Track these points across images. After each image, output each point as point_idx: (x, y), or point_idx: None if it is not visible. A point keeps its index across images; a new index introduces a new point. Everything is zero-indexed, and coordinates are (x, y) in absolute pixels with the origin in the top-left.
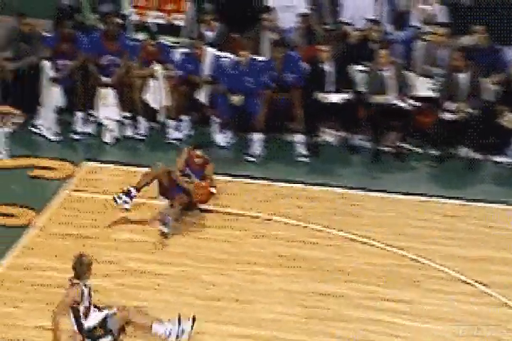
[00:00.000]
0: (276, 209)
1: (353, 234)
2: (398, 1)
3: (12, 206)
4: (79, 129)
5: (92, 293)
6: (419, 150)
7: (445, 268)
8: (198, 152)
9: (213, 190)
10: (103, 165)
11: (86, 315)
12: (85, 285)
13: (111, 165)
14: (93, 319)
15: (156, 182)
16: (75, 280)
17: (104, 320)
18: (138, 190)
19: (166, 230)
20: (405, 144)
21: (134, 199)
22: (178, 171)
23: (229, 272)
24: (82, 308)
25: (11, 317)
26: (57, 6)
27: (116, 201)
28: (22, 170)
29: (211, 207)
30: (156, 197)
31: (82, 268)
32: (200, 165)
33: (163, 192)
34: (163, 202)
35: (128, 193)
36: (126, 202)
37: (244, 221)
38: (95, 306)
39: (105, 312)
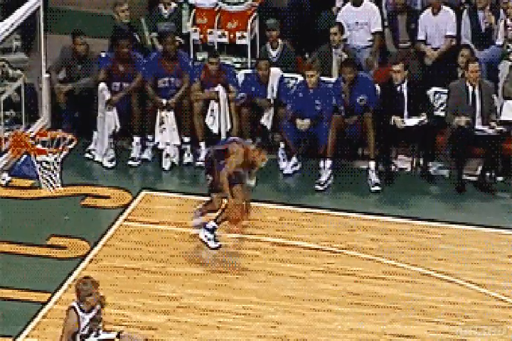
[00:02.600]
0: (346, 243)
1: (431, 270)
2: (481, 17)
3: (64, 237)
4: (135, 155)
5: (98, 322)
6: (503, 179)
7: None
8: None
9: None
10: (160, 193)
11: None
12: (83, 310)
13: (169, 194)
14: None
15: None
16: (72, 304)
17: None
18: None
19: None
20: (490, 173)
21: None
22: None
23: (296, 310)
24: (77, 338)
25: None
26: (114, 24)
27: (207, 244)
28: (75, 198)
29: (277, 240)
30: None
31: (82, 291)
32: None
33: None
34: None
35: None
36: (210, 239)
37: (313, 254)
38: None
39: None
